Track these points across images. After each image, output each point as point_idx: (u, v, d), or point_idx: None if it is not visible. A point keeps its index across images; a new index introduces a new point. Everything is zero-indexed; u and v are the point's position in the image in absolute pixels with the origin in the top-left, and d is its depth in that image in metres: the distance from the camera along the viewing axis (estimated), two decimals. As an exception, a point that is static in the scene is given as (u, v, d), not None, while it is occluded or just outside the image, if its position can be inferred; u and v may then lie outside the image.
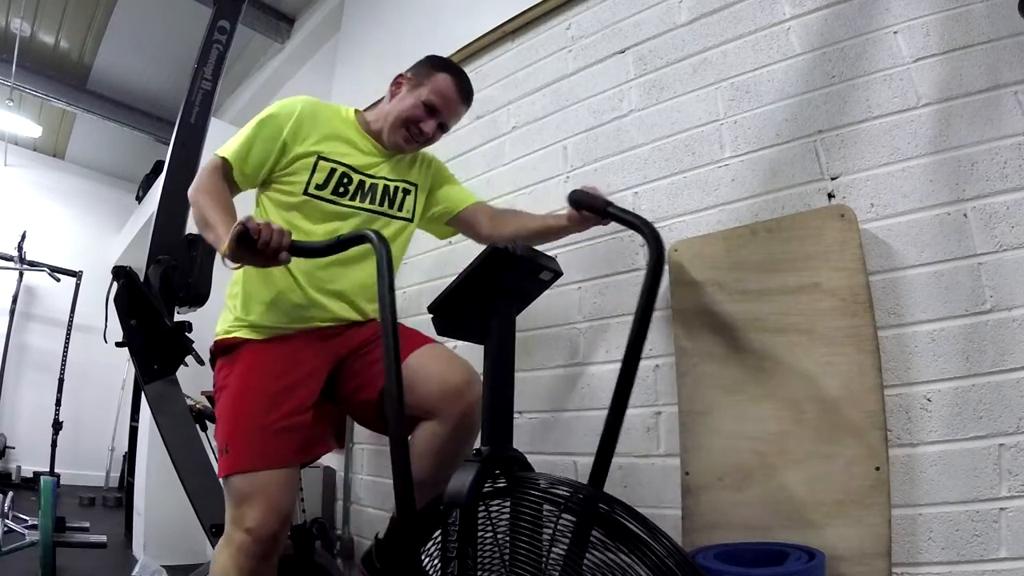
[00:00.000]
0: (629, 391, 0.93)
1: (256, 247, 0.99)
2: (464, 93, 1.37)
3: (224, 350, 1.25)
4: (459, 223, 1.48)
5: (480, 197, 1.53)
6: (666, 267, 1.40)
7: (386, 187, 1.35)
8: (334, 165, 1.28)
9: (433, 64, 1.38)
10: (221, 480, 1.18)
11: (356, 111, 1.41)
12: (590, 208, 1.22)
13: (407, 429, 1.09)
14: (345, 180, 1.29)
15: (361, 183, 1.31)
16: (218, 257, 1.11)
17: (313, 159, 1.26)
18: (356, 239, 1.01)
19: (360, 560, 1.35)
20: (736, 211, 1.36)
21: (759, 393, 1.20)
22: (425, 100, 1.32)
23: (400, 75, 1.40)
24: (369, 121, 1.39)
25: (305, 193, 1.25)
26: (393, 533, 1.27)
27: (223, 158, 1.23)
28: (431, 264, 2.00)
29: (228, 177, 1.24)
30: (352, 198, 1.30)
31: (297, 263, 1.22)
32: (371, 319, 1.34)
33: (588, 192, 1.24)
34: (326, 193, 1.27)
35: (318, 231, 1.26)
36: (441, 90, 1.33)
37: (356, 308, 1.30)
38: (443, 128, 1.38)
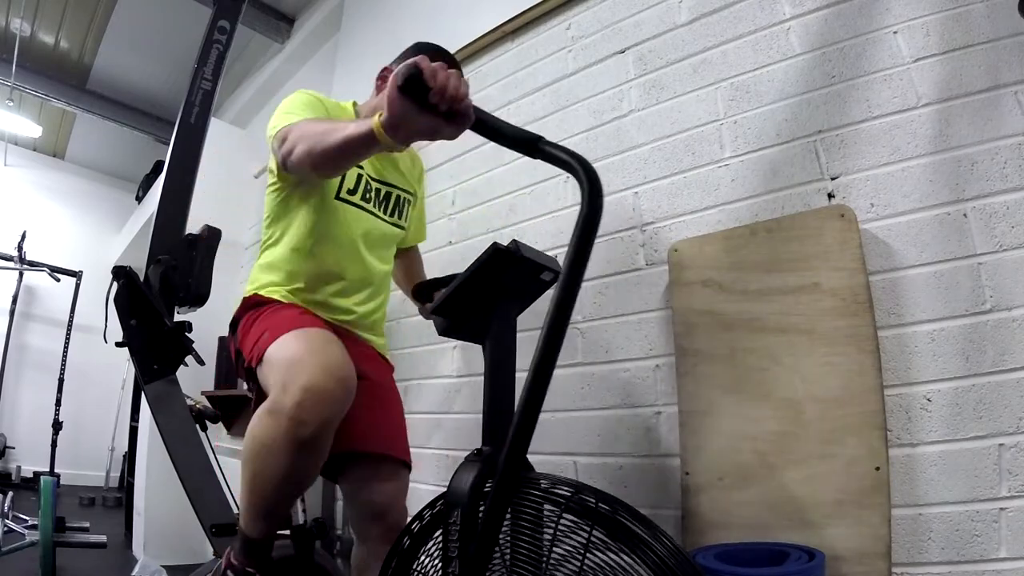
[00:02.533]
0: (556, 351, 0.77)
1: (426, 99, 0.76)
2: (446, 61, 1.35)
3: (256, 304, 1.21)
4: (400, 254, 1.51)
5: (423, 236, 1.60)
6: (666, 267, 1.41)
7: (397, 196, 1.36)
8: (360, 170, 1.27)
9: (414, 51, 1.33)
10: (259, 365, 1.03)
11: (354, 104, 1.39)
12: (515, 145, 0.87)
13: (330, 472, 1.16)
14: (367, 186, 1.29)
15: (378, 190, 1.32)
16: (220, 257, 1.08)
17: None
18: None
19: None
20: (736, 211, 1.37)
21: (759, 393, 1.20)
22: None
23: (385, 68, 1.37)
24: (362, 117, 1.37)
25: (337, 198, 1.24)
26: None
27: (299, 119, 1.10)
28: (431, 264, 1.99)
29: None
30: (374, 205, 1.31)
31: (321, 260, 1.23)
32: (382, 353, 1.37)
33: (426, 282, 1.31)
34: (356, 199, 1.27)
35: (342, 236, 1.26)
36: None
37: (363, 324, 1.32)
38: None
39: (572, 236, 0.70)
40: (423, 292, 1.29)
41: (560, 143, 0.78)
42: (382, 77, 1.36)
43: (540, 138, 0.80)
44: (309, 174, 1.13)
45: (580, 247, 0.70)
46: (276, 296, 1.22)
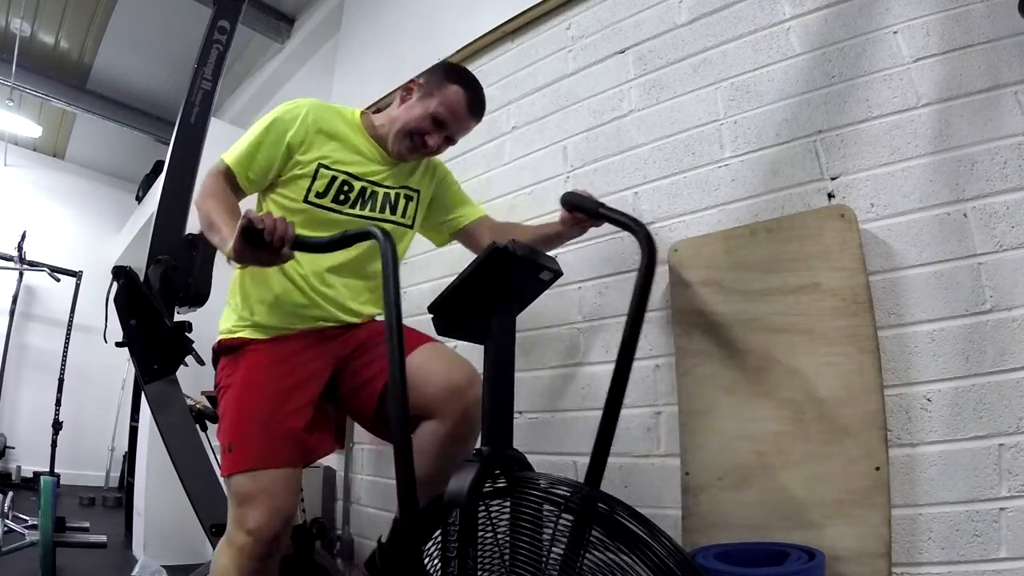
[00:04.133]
0: (623, 392, 0.94)
1: (262, 240, 0.98)
2: (475, 108, 1.33)
3: (227, 349, 1.25)
4: (461, 236, 1.48)
5: (484, 210, 1.53)
6: (666, 267, 1.41)
7: (387, 194, 1.34)
8: (335, 173, 1.26)
9: (447, 73, 1.34)
10: (223, 479, 1.17)
11: (362, 113, 1.39)
12: (582, 209, 1.23)
13: (411, 428, 1.09)
14: (346, 188, 1.28)
15: (363, 190, 1.30)
16: (221, 257, 1.12)
17: (314, 166, 1.25)
18: (361, 235, 1.01)
19: (364, 564, 1.35)
20: (736, 211, 1.36)
21: (759, 393, 1.20)
22: (433, 112, 1.28)
23: (412, 80, 1.36)
24: (376, 125, 1.36)
25: (305, 201, 1.25)
26: (397, 534, 1.27)
27: (227, 165, 1.23)
28: (431, 264, 2.00)
29: (233, 183, 1.24)
30: (352, 206, 1.29)
31: (295, 267, 1.23)
32: (369, 319, 1.34)
33: (580, 194, 1.26)
34: (326, 201, 1.26)
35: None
36: (451, 104, 1.29)
37: (351, 311, 1.30)
38: (450, 141, 1.35)
39: (635, 287, 0.97)
40: (571, 204, 1.28)
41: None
42: (407, 88, 1.36)
43: (602, 204, 1.15)
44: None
45: (641, 298, 0.96)
46: (248, 335, 1.23)
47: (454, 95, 1.29)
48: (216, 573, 1.11)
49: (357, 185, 1.29)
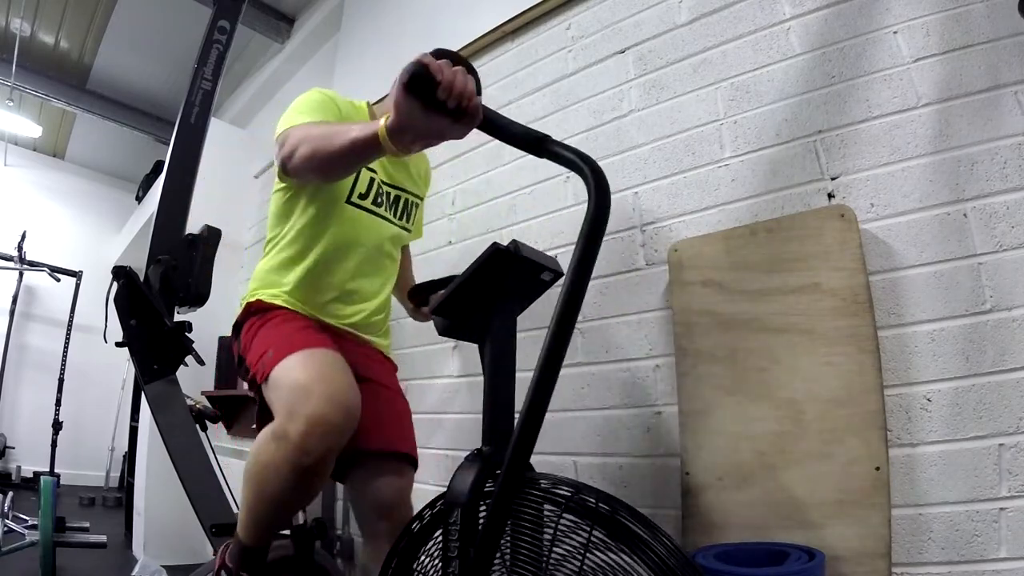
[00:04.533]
0: (560, 357, 0.75)
1: (434, 97, 0.75)
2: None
3: (257, 311, 1.20)
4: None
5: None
6: (666, 267, 1.41)
7: (407, 200, 1.35)
8: (372, 174, 1.25)
9: (434, 56, 1.33)
10: (264, 383, 1.03)
11: (368, 105, 1.36)
12: (521, 145, 0.83)
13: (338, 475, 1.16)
14: (379, 189, 1.27)
15: (388, 194, 1.30)
16: (221, 257, 1.07)
17: None
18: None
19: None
20: (736, 211, 1.37)
21: (759, 393, 1.20)
22: None
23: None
24: (378, 117, 1.35)
25: (348, 201, 1.22)
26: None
27: (306, 120, 1.08)
28: (431, 264, 2.00)
29: None
30: (385, 209, 1.30)
31: (327, 262, 1.22)
32: (376, 348, 1.35)
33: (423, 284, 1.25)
34: (367, 203, 1.25)
35: (351, 240, 1.24)
36: None
37: (367, 326, 1.31)
38: None
39: (579, 235, 0.70)
40: (419, 294, 1.28)
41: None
42: None
43: (547, 137, 0.77)
44: (311, 178, 1.12)
45: (588, 246, 0.70)
46: (279, 303, 1.20)
47: None
48: (259, 464, 0.95)
49: (385, 188, 1.30)
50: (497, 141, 0.86)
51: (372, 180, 1.26)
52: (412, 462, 1.24)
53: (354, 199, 1.24)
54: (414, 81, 0.74)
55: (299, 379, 0.97)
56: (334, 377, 0.99)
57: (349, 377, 1.02)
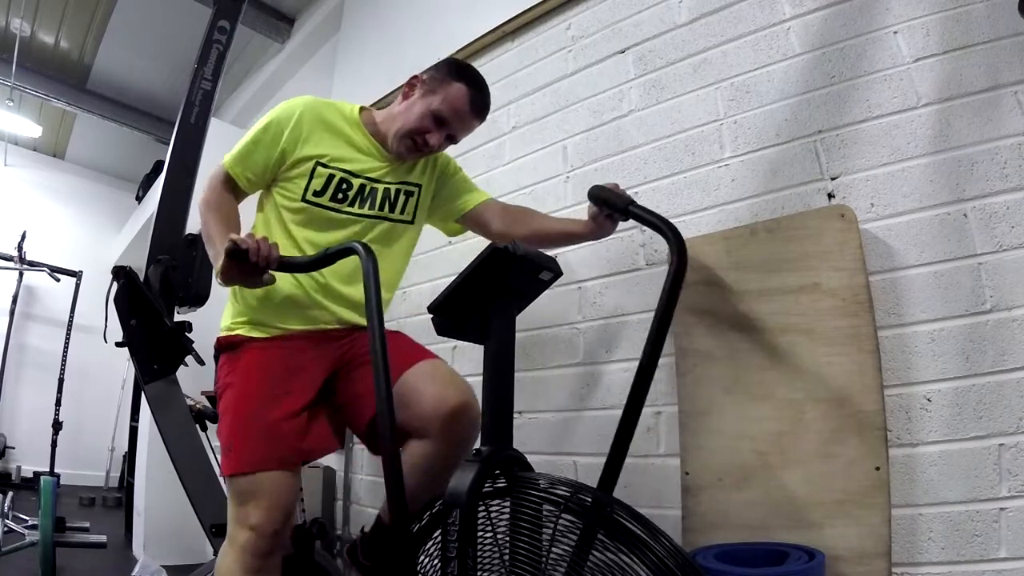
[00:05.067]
0: (645, 395, 0.90)
1: (247, 260, 1.01)
2: (479, 107, 1.30)
3: (227, 347, 1.24)
4: (468, 221, 1.41)
5: (489, 193, 1.46)
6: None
7: (387, 191, 1.32)
8: (332, 171, 1.25)
9: (451, 70, 1.30)
10: (223, 479, 1.18)
11: (362, 108, 1.36)
12: (612, 206, 1.11)
13: (399, 443, 1.09)
14: (344, 186, 1.27)
15: (361, 188, 1.29)
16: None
17: (311, 165, 1.24)
18: (343, 252, 1.01)
19: (345, 551, 1.35)
20: (736, 211, 1.36)
21: (759, 393, 1.20)
22: (435, 110, 1.24)
23: (416, 76, 1.33)
24: (377, 122, 1.34)
25: (303, 200, 1.24)
26: (380, 533, 1.26)
27: (226, 170, 1.25)
28: (431, 264, 2.00)
29: (233, 185, 1.25)
30: (351, 204, 1.28)
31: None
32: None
33: (610, 188, 1.16)
34: (324, 200, 1.25)
35: (320, 240, 1.24)
36: (454, 102, 1.25)
37: (352, 305, 1.28)
38: (452, 140, 1.32)
39: (663, 290, 0.89)
40: (601, 199, 1.16)
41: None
42: (411, 84, 1.33)
43: (632, 201, 1.04)
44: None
45: (669, 300, 0.89)
46: (246, 332, 1.23)
47: (457, 92, 1.26)
48: (221, 573, 1.11)
49: (356, 182, 1.28)
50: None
51: (331, 177, 1.25)
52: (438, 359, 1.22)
53: (309, 197, 1.25)
54: (232, 254, 1.00)
55: (244, 493, 1.12)
56: (275, 490, 1.12)
57: (289, 487, 1.15)
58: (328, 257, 1.03)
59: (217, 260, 1.07)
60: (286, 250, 1.22)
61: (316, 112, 1.29)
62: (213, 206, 1.22)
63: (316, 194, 1.25)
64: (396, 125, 1.29)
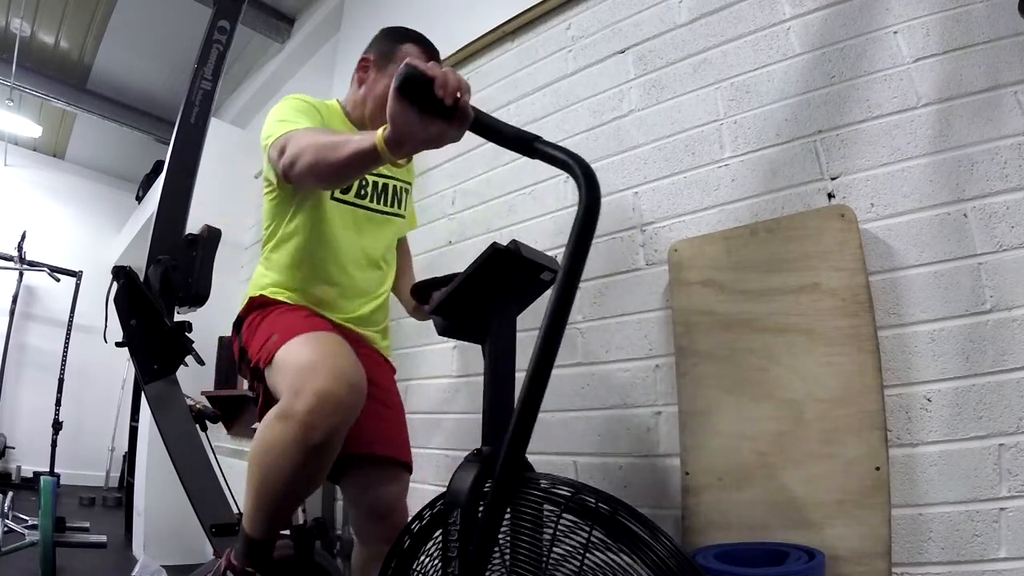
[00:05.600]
0: (554, 352, 0.76)
1: (432, 99, 0.74)
2: (433, 55, 1.34)
3: (260, 305, 1.22)
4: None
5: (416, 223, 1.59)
6: (666, 267, 1.41)
7: (395, 187, 1.35)
8: None
9: (392, 37, 1.35)
10: (268, 366, 1.02)
11: (338, 102, 1.37)
12: (517, 150, 0.82)
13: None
14: (361, 181, 1.28)
15: (375, 183, 1.31)
16: (220, 257, 1.08)
17: None
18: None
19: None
20: (736, 211, 1.36)
21: (759, 393, 1.20)
22: None
23: (364, 57, 1.35)
24: (349, 112, 1.35)
25: (332, 199, 1.24)
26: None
27: (293, 129, 1.07)
28: (432, 264, 2.00)
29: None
30: (372, 200, 1.30)
31: (326, 254, 1.23)
32: (376, 349, 1.35)
33: (432, 288, 1.19)
34: (350, 196, 1.27)
35: (341, 235, 1.26)
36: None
37: (366, 298, 1.31)
38: None
39: (570, 234, 0.69)
40: (420, 291, 1.28)
41: (560, 143, 0.77)
42: (362, 67, 1.34)
43: (537, 137, 0.76)
44: (312, 186, 1.14)
45: (579, 245, 0.69)
46: (281, 298, 1.22)
47: (411, 51, 1.30)
48: (265, 446, 0.93)
49: (370, 178, 1.30)
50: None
51: None
52: (408, 468, 1.28)
53: (337, 195, 1.25)
54: (408, 84, 0.73)
55: (304, 359, 0.96)
56: (339, 355, 0.98)
57: (353, 356, 1.01)
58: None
59: (365, 143, 0.85)
60: (302, 247, 1.24)
61: (322, 109, 1.28)
62: (308, 140, 0.99)
63: (344, 191, 1.26)
64: (368, 108, 1.30)
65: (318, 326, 1.11)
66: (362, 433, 1.09)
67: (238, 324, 1.28)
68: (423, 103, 0.75)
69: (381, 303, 1.36)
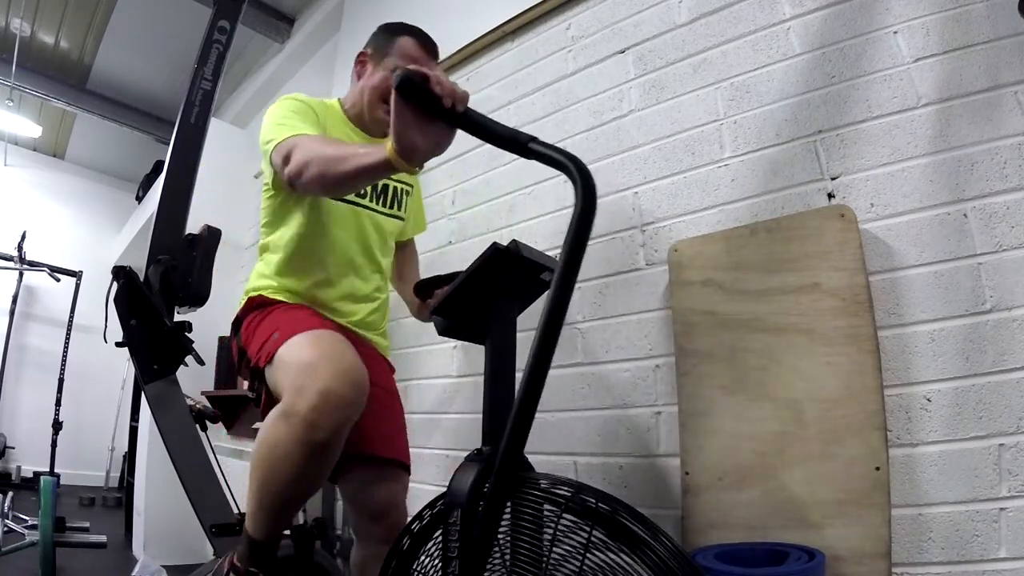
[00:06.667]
0: (550, 353, 0.71)
1: (431, 93, 0.75)
2: (430, 48, 1.34)
3: (260, 304, 1.22)
4: (398, 247, 1.50)
5: (425, 226, 1.60)
6: (666, 267, 1.41)
7: (395, 188, 1.35)
8: None
9: (389, 31, 1.35)
10: (269, 364, 1.02)
11: (339, 101, 1.38)
12: (512, 150, 0.81)
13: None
14: None
15: (375, 184, 1.31)
16: (220, 257, 1.09)
17: None
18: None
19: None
20: (736, 211, 1.36)
21: (759, 393, 1.20)
22: (396, 68, 1.24)
23: (360, 53, 1.36)
24: (347, 109, 1.35)
25: (332, 198, 1.24)
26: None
27: (293, 135, 1.06)
28: (431, 264, 2.00)
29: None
30: (371, 200, 1.30)
31: (325, 252, 1.24)
32: (372, 345, 1.35)
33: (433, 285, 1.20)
34: (350, 196, 1.27)
35: (340, 236, 1.26)
36: (408, 53, 1.29)
37: (366, 323, 1.32)
38: None
39: (567, 234, 0.69)
40: (423, 290, 1.28)
41: (560, 143, 0.77)
42: (360, 62, 1.35)
43: (532, 138, 0.76)
44: (317, 194, 1.16)
45: (575, 245, 0.68)
46: (281, 297, 1.22)
47: (407, 44, 1.31)
48: (268, 446, 0.93)
49: None
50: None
51: None
52: (407, 468, 1.28)
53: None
54: (405, 85, 0.74)
55: (306, 357, 0.96)
56: (341, 353, 0.97)
57: (355, 354, 1.00)
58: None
59: (375, 155, 0.85)
60: (302, 246, 1.24)
61: (320, 106, 1.28)
62: (313, 147, 0.99)
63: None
64: (366, 98, 1.30)
65: (319, 324, 1.11)
66: (362, 433, 1.09)
67: (236, 324, 1.28)
68: (425, 103, 0.76)
69: (379, 305, 1.37)
